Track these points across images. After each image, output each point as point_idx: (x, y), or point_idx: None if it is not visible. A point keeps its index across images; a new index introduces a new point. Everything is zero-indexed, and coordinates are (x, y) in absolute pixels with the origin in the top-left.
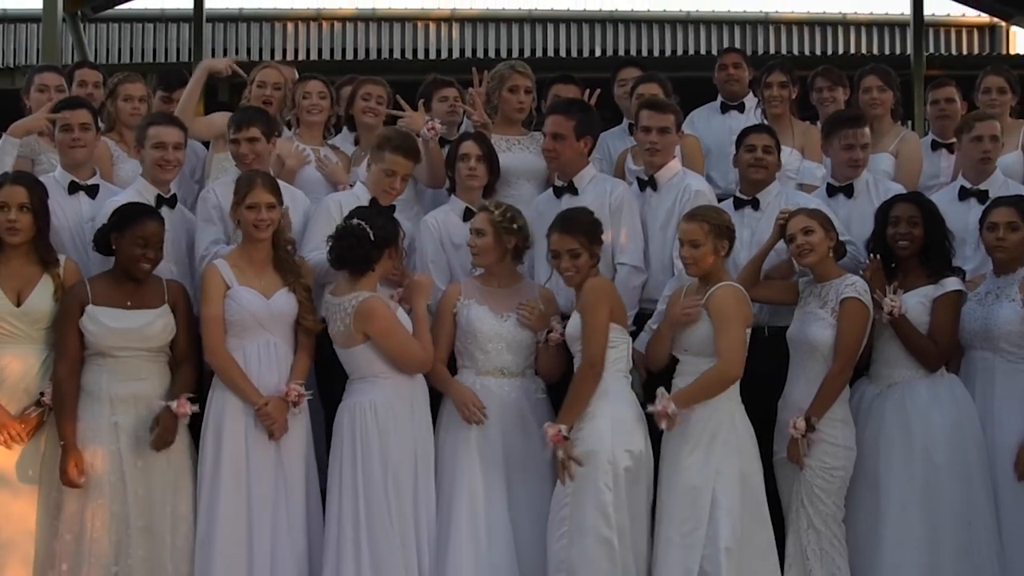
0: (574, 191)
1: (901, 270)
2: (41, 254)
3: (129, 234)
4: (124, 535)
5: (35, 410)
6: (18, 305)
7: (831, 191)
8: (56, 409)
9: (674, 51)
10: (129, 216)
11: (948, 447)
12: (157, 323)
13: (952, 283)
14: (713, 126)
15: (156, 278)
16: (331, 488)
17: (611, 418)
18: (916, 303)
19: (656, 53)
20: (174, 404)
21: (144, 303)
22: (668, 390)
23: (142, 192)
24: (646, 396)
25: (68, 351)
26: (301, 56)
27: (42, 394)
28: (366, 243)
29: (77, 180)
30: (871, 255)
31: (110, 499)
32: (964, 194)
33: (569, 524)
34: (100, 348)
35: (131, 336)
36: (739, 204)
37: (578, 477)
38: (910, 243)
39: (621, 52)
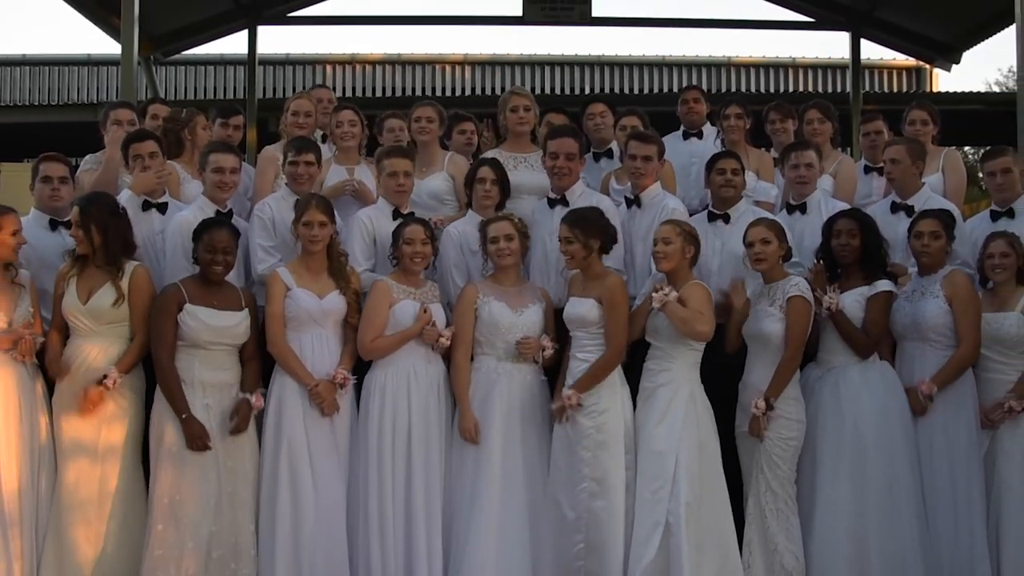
0: (565, 203)
1: (844, 274)
2: (108, 263)
3: (201, 244)
4: (214, 500)
5: (96, 388)
6: (85, 303)
7: (790, 209)
8: (167, 390)
9: (651, 89)
10: (200, 228)
11: (875, 423)
12: (243, 324)
13: (883, 285)
14: (677, 151)
15: (232, 285)
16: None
17: (620, 394)
18: (852, 301)
19: (636, 91)
20: (252, 398)
21: (227, 305)
22: (638, 371)
23: (203, 208)
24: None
25: (167, 341)
26: (338, 94)
27: (105, 376)
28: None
29: (150, 199)
30: (816, 260)
31: (204, 469)
32: (895, 208)
33: (589, 481)
34: (196, 341)
35: (223, 333)
36: (712, 218)
37: (598, 440)
38: (849, 252)
39: (607, 90)
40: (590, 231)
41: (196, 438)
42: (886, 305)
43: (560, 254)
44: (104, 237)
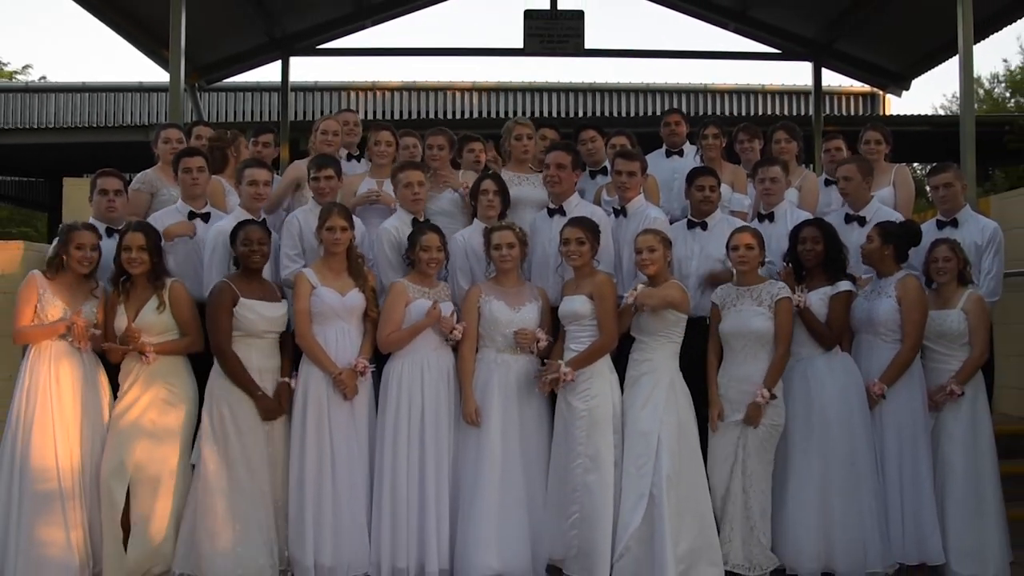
0: (563, 213)
1: (808, 275)
2: (153, 281)
3: (238, 241)
4: (259, 474)
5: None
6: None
7: (760, 217)
8: (234, 375)
9: (638, 113)
10: (235, 229)
11: (838, 407)
12: (287, 313)
13: (844, 285)
14: (660, 167)
15: (268, 280)
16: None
17: (609, 378)
18: (817, 300)
19: (624, 114)
20: (292, 381)
21: (271, 297)
22: (625, 362)
23: (239, 218)
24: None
25: (226, 332)
26: (360, 117)
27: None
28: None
29: (194, 210)
30: (785, 264)
31: (249, 447)
32: (848, 219)
33: (584, 457)
34: (253, 331)
35: (275, 322)
36: (691, 226)
37: (591, 421)
38: (813, 256)
39: (599, 114)
40: (596, 235)
41: (272, 411)
42: (847, 303)
43: (557, 257)
44: (157, 258)
